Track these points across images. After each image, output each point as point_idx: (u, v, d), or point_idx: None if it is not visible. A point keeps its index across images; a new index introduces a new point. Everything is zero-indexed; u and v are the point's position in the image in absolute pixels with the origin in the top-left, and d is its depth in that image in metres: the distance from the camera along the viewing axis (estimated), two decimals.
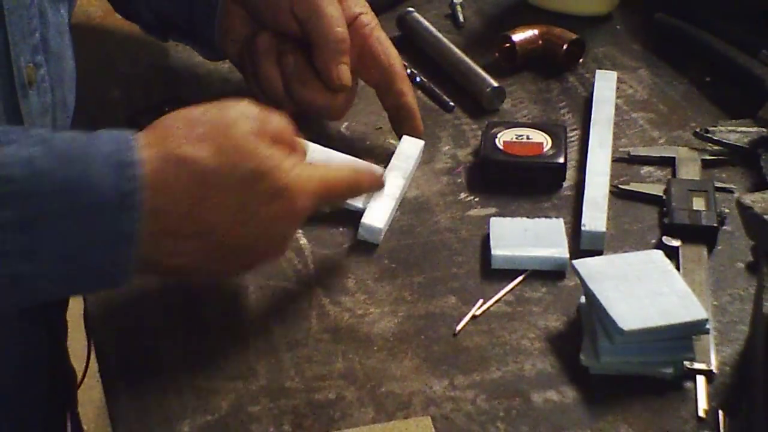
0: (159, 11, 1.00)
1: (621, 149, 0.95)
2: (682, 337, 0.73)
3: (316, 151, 0.91)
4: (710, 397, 0.71)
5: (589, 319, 0.75)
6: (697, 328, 0.72)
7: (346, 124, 0.99)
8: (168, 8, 0.99)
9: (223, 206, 0.68)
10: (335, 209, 0.86)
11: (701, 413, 0.70)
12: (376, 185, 0.82)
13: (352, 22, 0.93)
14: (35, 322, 0.86)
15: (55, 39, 0.81)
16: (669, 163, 0.93)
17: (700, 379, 0.72)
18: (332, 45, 0.90)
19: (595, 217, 0.85)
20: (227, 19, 0.95)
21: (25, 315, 0.84)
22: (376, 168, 0.85)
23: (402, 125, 0.94)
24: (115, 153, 0.64)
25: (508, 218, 0.86)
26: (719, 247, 0.84)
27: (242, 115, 0.70)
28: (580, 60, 1.08)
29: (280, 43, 0.92)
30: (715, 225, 0.83)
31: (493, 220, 0.86)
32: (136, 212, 0.64)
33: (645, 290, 0.73)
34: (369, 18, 0.94)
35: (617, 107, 1.00)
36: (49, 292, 0.67)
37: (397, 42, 1.11)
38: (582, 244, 0.84)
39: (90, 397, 1.71)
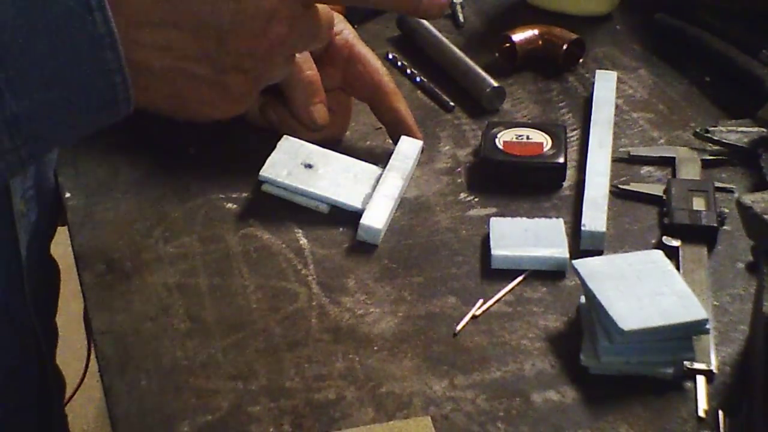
0: None
1: (621, 149, 0.95)
2: (682, 337, 0.73)
3: (314, 152, 0.91)
4: (710, 397, 0.71)
5: (589, 319, 0.75)
6: (697, 328, 0.72)
7: None
8: None
9: None
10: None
11: (701, 413, 0.70)
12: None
13: (331, 43, 0.91)
14: (22, 330, 0.86)
15: None
16: (669, 163, 0.93)
17: (700, 379, 0.72)
18: (301, 90, 0.87)
19: (595, 217, 0.85)
20: None
21: (12, 322, 0.84)
22: None
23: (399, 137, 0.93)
24: None
25: (508, 218, 0.86)
26: (719, 247, 0.84)
27: None
28: (580, 60, 1.08)
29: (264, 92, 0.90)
30: (715, 225, 0.83)
31: (493, 220, 0.86)
32: (106, 10, 0.60)
33: (645, 290, 0.73)
34: (347, 36, 0.92)
35: (617, 107, 1.00)
36: (54, 129, 0.63)
37: (397, 42, 1.12)
38: (582, 244, 0.84)
39: (90, 397, 1.72)
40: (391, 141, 0.95)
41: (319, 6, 0.70)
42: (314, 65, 0.89)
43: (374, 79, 0.91)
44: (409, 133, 0.93)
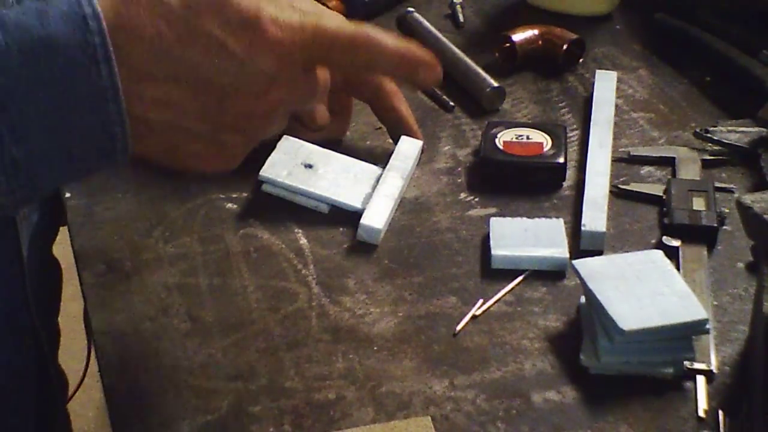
0: None
1: (621, 149, 0.95)
2: (682, 337, 0.73)
3: (314, 152, 0.91)
4: (710, 397, 0.71)
5: (589, 319, 0.75)
6: (697, 328, 0.72)
7: None
8: None
9: (189, 39, 0.63)
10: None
11: (701, 413, 0.70)
12: (409, 65, 0.71)
13: None
14: (23, 331, 0.86)
15: None
16: (669, 163, 0.93)
17: (700, 379, 0.72)
18: None
19: (595, 217, 0.85)
20: None
21: (13, 323, 0.84)
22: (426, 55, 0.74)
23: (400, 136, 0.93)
24: (74, 8, 0.61)
25: (508, 218, 0.86)
26: (719, 247, 0.84)
27: None
28: (580, 60, 1.08)
29: None
30: (715, 225, 0.83)
31: (493, 220, 0.86)
32: (112, 62, 0.61)
33: (645, 290, 0.73)
34: None
35: (617, 107, 1.00)
36: (52, 175, 0.63)
37: None
38: (582, 244, 0.84)
39: (90, 397, 1.72)
40: (391, 141, 0.95)
41: (318, 68, 0.70)
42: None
43: (375, 79, 0.91)
44: (410, 133, 0.93)
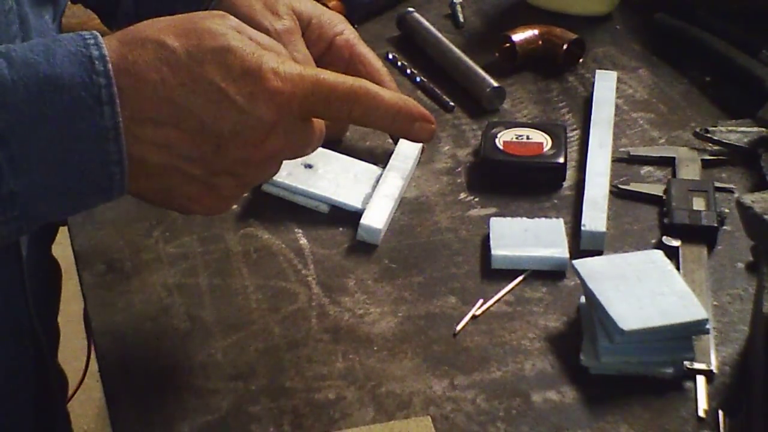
0: None
1: (621, 149, 0.95)
2: (682, 337, 0.73)
3: (314, 153, 0.90)
4: (710, 397, 0.71)
5: (589, 319, 0.75)
6: (697, 328, 0.72)
7: None
8: None
9: (192, 86, 0.65)
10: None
11: (701, 413, 0.70)
12: (405, 120, 0.72)
13: (332, 43, 0.91)
14: (23, 331, 0.85)
15: None
16: (669, 163, 0.93)
17: (700, 379, 0.72)
18: None
19: (595, 217, 0.85)
20: None
21: (13, 323, 0.84)
22: (421, 109, 0.73)
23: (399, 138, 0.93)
24: (82, 49, 0.62)
25: (508, 218, 0.86)
26: (719, 247, 0.84)
27: (219, 15, 0.67)
28: (580, 60, 1.08)
29: None
30: (715, 225, 0.83)
31: (493, 220, 0.86)
32: (115, 104, 0.62)
33: (645, 290, 0.73)
34: (348, 36, 0.92)
35: (617, 107, 1.00)
36: (50, 207, 0.65)
37: (397, 42, 1.12)
38: (582, 244, 0.84)
39: (90, 397, 1.72)
40: (391, 141, 0.95)
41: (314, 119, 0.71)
42: (313, 63, 0.89)
43: (374, 78, 0.91)
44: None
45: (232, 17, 0.68)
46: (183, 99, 0.64)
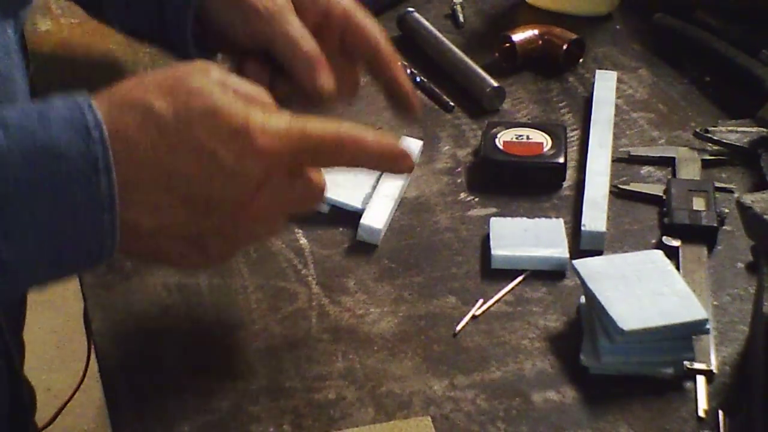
0: (131, 30, 0.97)
1: (621, 149, 0.95)
2: (682, 337, 0.73)
3: None
4: (710, 397, 0.71)
5: (589, 319, 0.75)
6: (697, 328, 0.72)
7: None
8: (140, 29, 0.96)
9: (182, 150, 0.65)
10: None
11: (701, 413, 0.70)
12: (389, 159, 0.72)
13: (328, 14, 0.88)
14: None
15: (2, 60, 0.78)
16: (669, 163, 0.93)
17: (700, 379, 0.72)
18: (303, 66, 0.85)
19: (595, 217, 0.85)
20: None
21: None
22: (398, 144, 0.74)
23: (397, 105, 0.89)
24: (77, 115, 0.62)
25: (508, 218, 0.86)
26: (719, 247, 0.84)
27: (203, 69, 0.67)
28: (580, 60, 1.08)
29: (272, 70, 0.87)
30: (715, 225, 0.83)
31: (493, 220, 0.86)
32: (112, 173, 0.62)
33: (645, 290, 0.73)
34: (344, 5, 0.88)
35: (617, 107, 1.00)
36: (38, 275, 0.65)
37: (397, 42, 1.11)
38: (582, 244, 0.84)
39: (90, 397, 1.72)
40: None
41: (312, 172, 0.71)
42: (313, 39, 0.87)
43: (371, 43, 0.88)
44: (405, 98, 0.89)
45: (215, 69, 0.67)
46: (172, 162, 0.64)
